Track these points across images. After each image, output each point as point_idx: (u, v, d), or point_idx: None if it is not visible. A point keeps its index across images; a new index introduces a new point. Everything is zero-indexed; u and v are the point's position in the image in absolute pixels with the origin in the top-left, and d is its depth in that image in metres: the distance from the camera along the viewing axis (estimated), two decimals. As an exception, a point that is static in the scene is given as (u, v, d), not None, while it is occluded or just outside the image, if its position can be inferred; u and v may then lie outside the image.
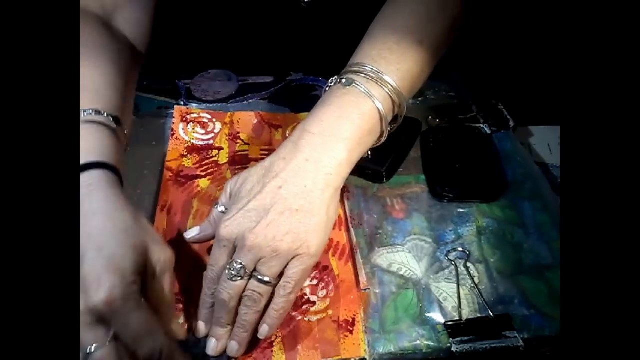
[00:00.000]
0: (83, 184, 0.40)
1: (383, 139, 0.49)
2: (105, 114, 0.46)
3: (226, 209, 0.46)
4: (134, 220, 0.40)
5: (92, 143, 0.43)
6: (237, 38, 0.69)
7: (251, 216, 0.41)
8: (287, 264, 0.41)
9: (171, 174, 0.56)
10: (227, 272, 0.41)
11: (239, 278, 0.40)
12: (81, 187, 0.40)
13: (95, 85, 0.47)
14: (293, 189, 0.42)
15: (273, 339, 0.44)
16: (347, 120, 0.45)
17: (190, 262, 0.49)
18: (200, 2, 0.73)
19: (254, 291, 0.41)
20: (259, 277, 0.41)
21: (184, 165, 0.58)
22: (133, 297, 0.36)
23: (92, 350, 0.35)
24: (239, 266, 0.40)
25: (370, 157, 0.49)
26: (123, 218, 0.39)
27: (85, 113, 0.45)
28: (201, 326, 0.43)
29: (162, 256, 0.40)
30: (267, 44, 0.62)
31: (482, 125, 0.62)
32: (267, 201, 0.42)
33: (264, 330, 0.42)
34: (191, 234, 0.49)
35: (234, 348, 0.42)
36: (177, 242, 0.50)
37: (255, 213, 0.41)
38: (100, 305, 0.35)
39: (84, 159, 0.42)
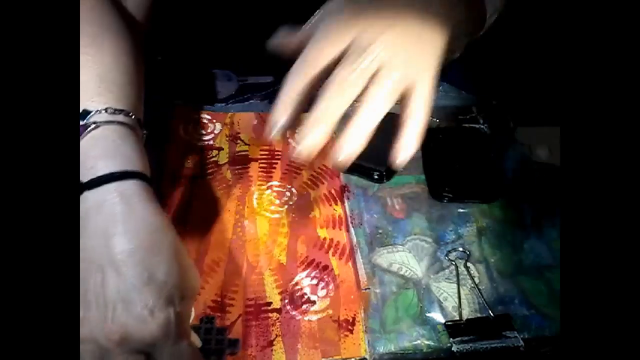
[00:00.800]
0: (118, 192, 0.36)
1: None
2: (133, 117, 0.41)
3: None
4: (176, 240, 0.37)
5: (126, 149, 0.39)
6: (237, 38, 0.69)
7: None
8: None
9: (170, 174, 0.56)
10: (356, 56, 0.34)
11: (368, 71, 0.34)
12: (115, 196, 0.36)
13: (121, 80, 0.43)
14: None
15: (273, 338, 0.44)
16: None
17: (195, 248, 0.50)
18: (201, 2, 0.73)
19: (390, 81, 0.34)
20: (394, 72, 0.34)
21: (183, 165, 0.58)
22: (180, 328, 0.35)
23: None
24: (372, 56, 0.34)
25: None
26: (169, 240, 0.36)
27: (115, 112, 0.40)
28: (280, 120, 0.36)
29: (196, 283, 0.38)
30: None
31: (482, 126, 0.62)
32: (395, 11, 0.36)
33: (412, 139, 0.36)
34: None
35: (349, 150, 0.35)
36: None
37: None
38: (151, 338, 0.34)
39: (119, 166, 0.37)
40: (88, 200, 0.36)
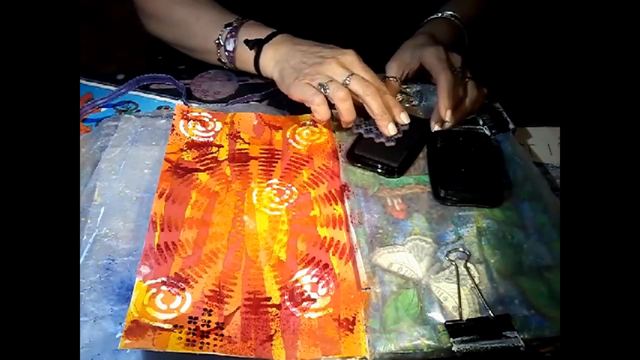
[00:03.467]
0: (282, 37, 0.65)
1: None
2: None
3: None
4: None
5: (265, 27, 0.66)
6: None
7: None
8: None
9: (170, 165, 0.57)
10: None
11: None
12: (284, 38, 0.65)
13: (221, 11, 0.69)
14: None
15: (272, 333, 0.44)
16: None
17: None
18: None
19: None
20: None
21: (183, 158, 0.58)
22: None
23: (349, 80, 0.57)
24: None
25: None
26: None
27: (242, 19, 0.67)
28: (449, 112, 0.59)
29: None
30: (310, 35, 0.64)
31: (482, 127, 0.62)
32: None
33: None
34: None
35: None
36: (175, 228, 0.51)
37: None
38: (349, 57, 0.59)
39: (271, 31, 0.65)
40: (270, 47, 0.64)
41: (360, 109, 0.59)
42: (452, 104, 0.59)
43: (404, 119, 0.59)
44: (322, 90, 0.57)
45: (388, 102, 0.58)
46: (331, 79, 0.57)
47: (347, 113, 0.57)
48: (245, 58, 0.66)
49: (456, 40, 0.70)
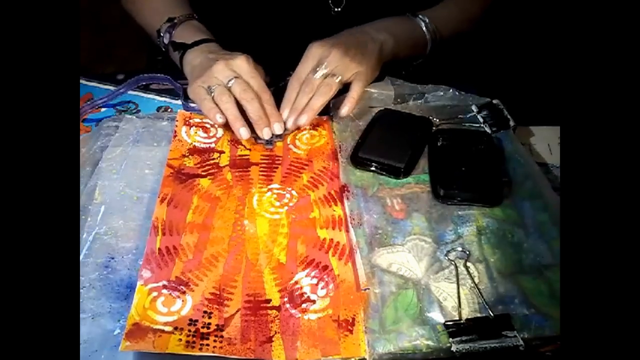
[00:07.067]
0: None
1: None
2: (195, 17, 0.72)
3: None
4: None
5: (200, 30, 0.68)
6: (235, 42, 0.69)
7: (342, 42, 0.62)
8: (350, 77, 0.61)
9: (172, 171, 0.57)
10: (316, 72, 0.60)
11: (322, 76, 0.60)
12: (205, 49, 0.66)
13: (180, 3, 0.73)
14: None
15: (272, 334, 0.44)
16: None
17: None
18: (201, 6, 0.73)
19: (330, 84, 0.60)
20: (335, 76, 0.60)
21: (185, 164, 0.58)
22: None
23: (231, 82, 0.59)
24: (326, 69, 0.60)
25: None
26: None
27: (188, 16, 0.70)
28: (285, 112, 0.61)
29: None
30: (297, 49, 0.64)
31: (482, 125, 0.62)
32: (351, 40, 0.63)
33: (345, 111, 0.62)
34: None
35: (304, 120, 0.60)
36: (177, 232, 0.51)
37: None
38: (238, 60, 0.60)
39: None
40: (191, 53, 0.65)
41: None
42: (290, 106, 0.61)
43: (276, 129, 0.60)
44: (210, 93, 0.59)
45: (267, 109, 0.60)
46: (220, 82, 0.59)
47: (228, 115, 0.59)
48: (174, 56, 0.69)
49: (413, 39, 0.70)
